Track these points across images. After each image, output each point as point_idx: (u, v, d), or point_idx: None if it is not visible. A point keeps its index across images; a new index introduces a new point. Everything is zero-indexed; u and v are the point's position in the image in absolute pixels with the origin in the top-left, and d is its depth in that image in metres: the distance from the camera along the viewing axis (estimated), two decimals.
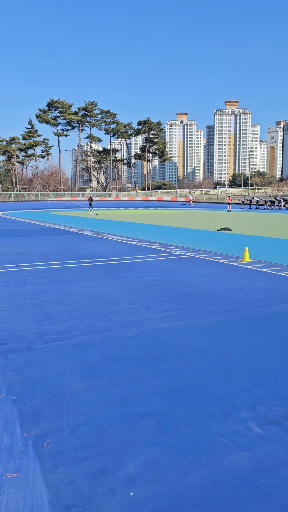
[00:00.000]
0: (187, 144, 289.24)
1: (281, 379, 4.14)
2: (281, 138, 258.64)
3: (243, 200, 55.68)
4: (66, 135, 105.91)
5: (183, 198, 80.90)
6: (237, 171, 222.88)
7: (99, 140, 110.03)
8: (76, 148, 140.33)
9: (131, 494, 2.55)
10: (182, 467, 2.80)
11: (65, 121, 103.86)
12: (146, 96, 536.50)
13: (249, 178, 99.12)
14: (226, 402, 3.69)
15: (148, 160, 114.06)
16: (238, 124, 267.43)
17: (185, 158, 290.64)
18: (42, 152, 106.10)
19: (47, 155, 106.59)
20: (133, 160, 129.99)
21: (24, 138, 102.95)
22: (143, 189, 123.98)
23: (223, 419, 3.40)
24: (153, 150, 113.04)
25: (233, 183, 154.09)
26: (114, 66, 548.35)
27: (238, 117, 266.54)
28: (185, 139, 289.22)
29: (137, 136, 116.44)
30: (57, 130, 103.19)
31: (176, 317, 6.21)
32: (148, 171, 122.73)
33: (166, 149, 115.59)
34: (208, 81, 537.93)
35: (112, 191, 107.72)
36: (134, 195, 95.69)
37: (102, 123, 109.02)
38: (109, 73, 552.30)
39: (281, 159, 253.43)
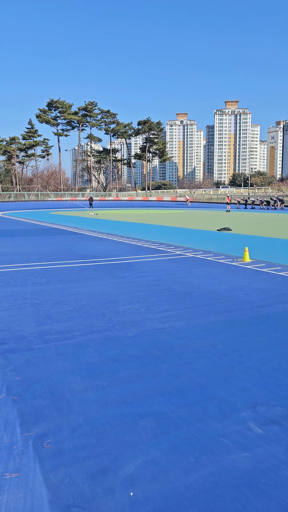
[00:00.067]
0: (187, 144, 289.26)
1: (281, 379, 4.14)
2: (281, 138, 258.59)
3: (238, 200, 55.88)
4: (66, 135, 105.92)
5: (183, 198, 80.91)
6: (237, 171, 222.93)
7: (99, 140, 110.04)
8: (76, 148, 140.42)
9: (131, 494, 2.55)
10: (182, 467, 2.80)
11: (65, 121, 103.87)
12: (146, 96, 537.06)
13: (249, 178, 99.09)
14: (226, 402, 3.69)
15: (148, 160, 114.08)
16: (238, 124, 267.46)
17: (185, 158, 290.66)
18: (42, 152, 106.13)
19: (47, 155, 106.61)
20: (133, 160, 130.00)
21: (24, 138, 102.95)
22: (143, 189, 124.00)
23: (223, 419, 3.40)
24: (153, 150, 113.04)
25: (233, 183, 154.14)
26: (114, 66, 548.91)
27: (238, 117, 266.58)
28: (185, 139, 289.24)
29: (137, 136, 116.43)
30: (57, 130, 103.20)
31: (176, 317, 6.21)
32: (148, 171, 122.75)
33: (166, 149, 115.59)
34: (208, 81, 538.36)
35: (112, 191, 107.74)
36: (134, 195, 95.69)
37: (102, 123, 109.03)
38: (109, 73, 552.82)
39: (281, 159, 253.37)
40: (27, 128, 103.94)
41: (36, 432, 3.24)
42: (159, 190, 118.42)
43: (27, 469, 2.81)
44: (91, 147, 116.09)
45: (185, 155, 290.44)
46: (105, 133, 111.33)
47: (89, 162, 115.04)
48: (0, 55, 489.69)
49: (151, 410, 3.54)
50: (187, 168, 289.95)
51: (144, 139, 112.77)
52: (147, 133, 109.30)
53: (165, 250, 13.60)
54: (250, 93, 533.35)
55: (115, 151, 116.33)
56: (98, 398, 3.76)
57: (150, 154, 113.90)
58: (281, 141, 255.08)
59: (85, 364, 4.55)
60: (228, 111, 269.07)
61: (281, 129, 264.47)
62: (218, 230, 20.68)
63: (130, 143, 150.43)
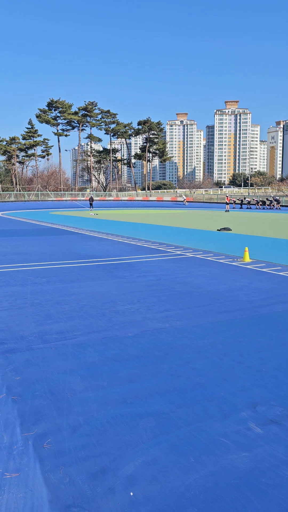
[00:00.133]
0: (187, 144, 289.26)
1: (281, 379, 4.14)
2: (281, 138, 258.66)
3: (234, 200, 56.26)
4: (66, 135, 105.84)
5: (186, 198, 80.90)
6: (237, 171, 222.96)
7: (99, 140, 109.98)
8: (76, 148, 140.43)
9: (131, 494, 2.55)
10: (182, 467, 2.80)
11: (65, 121, 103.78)
12: (146, 96, 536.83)
13: (249, 178, 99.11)
14: (226, 402, 3.69)
15: (148, 160, 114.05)
16: (238, 124, 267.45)
17: (185, 158, 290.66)
18: (42, 152, 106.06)
19: (47, 155, 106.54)
20: (133, 160, 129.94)
21: (24, 138, 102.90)
22: (143, 189, 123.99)
23: (223, 419, 3.41)
24: (153, 150, 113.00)
25: (233, 183, 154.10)
26: (114, 66, 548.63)
27: (238, 117, 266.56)
28: (185, 139, 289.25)
29: (137, 136, 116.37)
30: (57, 130, 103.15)
31: (176, 317, 6.21)
32: (148, 171, 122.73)
33: (166, 149, 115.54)
34: (208, 81, 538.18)
35: (112, 191, 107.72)
36: (134, 195, 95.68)
37: (102, 123, 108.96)
38: (109, 73, 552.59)
39: (281, 159, 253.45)
40: (27, 128, 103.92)
41: (36, 432, 3.24)
42: (159, 190, 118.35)
43: (27, 469, 2.81)
44: (91, 147, 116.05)
45: (185, 155, 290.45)
46: (105, 133, 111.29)
47: (89, 162, 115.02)
48: (0, 55, 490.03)
49: (151, 410, 3.54)
50: (187, 168, 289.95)
51: (144, 139, 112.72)
52: (147, 133, 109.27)
53: (165, 250, 13.60)
54: (250, 93, 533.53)
55: (115, 151, 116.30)
56: (98, 398, 3.76)
57: (150, 154, 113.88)
58: (281, 141, 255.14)
59: (85, 364, 4.55)
60: (228, 111, 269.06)
61: (281, 129, 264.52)
62: (218, 230, 20.69)
63: (130, 143, 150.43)
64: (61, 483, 2.66)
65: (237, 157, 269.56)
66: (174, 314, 6.36)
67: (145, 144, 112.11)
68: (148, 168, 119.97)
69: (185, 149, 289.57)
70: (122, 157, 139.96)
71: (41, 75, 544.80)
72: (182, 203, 66.14)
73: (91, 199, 49.75)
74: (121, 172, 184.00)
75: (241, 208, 52.93)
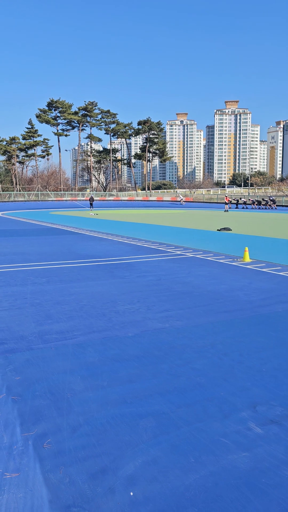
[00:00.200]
0: (187, 144, 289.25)
1: (281, 379, 4.14)
2: (281, 138, 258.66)
3: (230, 200, 56.57)
4: (66, 135, 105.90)
5: (183, 198, 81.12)
6: (237, 171, 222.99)
7: (99, 140, 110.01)
8: (76, 148, 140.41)
9: (131, 494, 2.55)
10: (182, 467, 2.80)
11: (65, 121, 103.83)
12: (146, 96, 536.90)
13: (249, 178, 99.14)
14: (226, 402, 3.69)
15: (148, 160, 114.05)
16: (238, 124, 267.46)
17: (185, 158, 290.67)
18: (42, 152, 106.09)
19: (47, 155, 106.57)
20: (133, 160, 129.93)
21: (24, 138, 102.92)
22: (143, 189, 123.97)
23: (223, 419, 3.40)
24: (153, 150, 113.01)
25: (233, 183, 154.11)
26: (114, 66, 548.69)
27: (238, 117, 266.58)
28: (185, 139, 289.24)
29: (137, 136, 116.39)
30: (57, 130, 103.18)
31: (176, 317, 6.21)
32: (148, 171, 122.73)
33: (166, 149, 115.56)
34: (208, 81, 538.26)
35: (112, 191, 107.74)
36: (134, 195, 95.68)
37: (102, 123, 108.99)
38: (109, 73, 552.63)
39: (281, 159, 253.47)
40: (27, 128, 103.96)
41: (36, 432, 3.24)
42: (159, 190, 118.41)
43: (27, 469, 2.81)
44: (91, 147, 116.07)
45: (185, 155, 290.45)
46: (105, 133, 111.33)
47: (89, 162, 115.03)
48: (0, 55, 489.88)
49: (151, 410, 3.54)
50: (187, 168, 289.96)
51: (144, 139, 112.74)
52: (147, 133, 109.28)
53: (165, 250, 13.60)
54: (250, 93, 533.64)
55: (115, 151, 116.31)
56: (98, 398, 3.76)
57: (150, 154, 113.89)
58: (281, 141, 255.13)
59: (85, 364, 4.55)
60: (228, 111, 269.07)
61: (281, 129, 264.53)
62: (218, 230, 20.68)
63: (130, 143, 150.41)
64: (61, 483, 2.66)
65: (237, 157, 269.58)
66: (174, 314, 6.36)
67: (145, 144, 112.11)
68: (148, 168, 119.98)
69: (185, 149, 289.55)
70: (122, 157, 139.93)
71: (41, 75, 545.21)
72: (179, 202, 67.08)
73: (92, 199, 49.72)
74: (121, 172, 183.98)
75: (236, 208, 53.39)
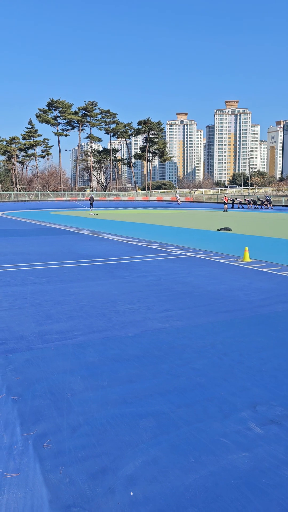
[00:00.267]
0: (187, 144, 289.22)
1: (281, 379, 4.14)
2: (281, 138, 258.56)
3: (228, 200, 57.09)
4: (66, 135, 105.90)
5: (183, 198, 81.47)
6: (237, 171, 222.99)
7: (99, 140, 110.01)
8: (76, 148, 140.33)
9: (131, 494, 2.55)
10: (182, 467, 2.80)
11: (65, 121, 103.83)
12: (146, 96, 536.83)
13: (249, 178, 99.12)
14: (226, 401, 3.69)
15: (148, 160, 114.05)
16: (238, 124, 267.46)
17: (185, 158, 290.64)
18: (42, 152, 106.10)
19: (47, 155, 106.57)
20: (133, 160, 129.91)
21: (24, 138, 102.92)
22: (143, 189, 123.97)
23: (223, 419, 3.40)
24: (153, 150, 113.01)
25: (233, 183, 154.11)
26: (114, 66, 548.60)
27: (238, 117, 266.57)
28: (185, 139, 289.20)
29: (137, 136, 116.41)
30: (57, 130, 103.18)
31: (176, 317, 6.21)
32: (148, 171, 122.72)
33: (166, 149, 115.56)
34: (208, 81, 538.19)
35: (112, 191, 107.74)
36: (134, 195, 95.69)
37: (102, 123, 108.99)
38: (109, 73, 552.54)
39: (281, 159, 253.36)
40: (27, 128, 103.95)
41: (36, 432, 3.24)
42: (159, 190, 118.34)
43: (27, 469, 2.81)
44: (91, 147, 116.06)
45: (185, 155, 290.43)
46: (105, 133, 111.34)
47: (89, 162, 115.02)
48: (0, 55, 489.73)
49: (151, 410, 3.54)
50: (187, 168, 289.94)
51: (144, 139, 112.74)
52: (147, 133, 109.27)
53: (165, 250, 13.60)
54: (250, 93, 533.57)
55: (115, 151, 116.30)
56: (98, 398, 3.76)
57: (150, 154, 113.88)
58: (281, 141, 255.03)
59: (85, 364, 4.55)
60: (228, 111, 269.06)
61: (281, 129, 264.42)
62: (218, 230, 20.68)
63: (130, 143, 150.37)
64: (61, 483, 2.66)
65: (237, 157, 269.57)
66: (174, 314, 6.36)
67: (145, 144, 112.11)
68: (148, 168, 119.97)
69: (185, 149, 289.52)
70: (122, 157, 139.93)
71: (41, 75, 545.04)
72: (176, 202, 68.18)
73: (92, 199, 49.71)
74: (121, 172, 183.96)
75: (232, 207, 53.82)
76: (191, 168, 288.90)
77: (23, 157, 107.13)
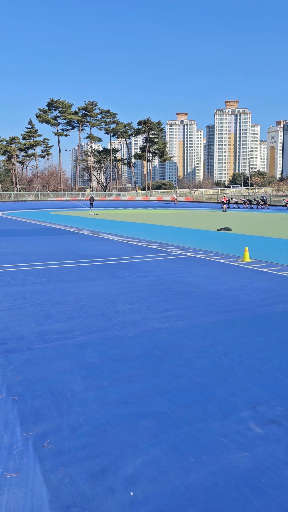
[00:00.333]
0: (187, 144, 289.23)
1: (281, 379, 4.14)
2: (281, 138, 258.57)
3: (221, 200, 57.70)
4: (66, 135, 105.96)
5: (183, 198, 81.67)
6: (237, 171, 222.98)
7: (99, 140, 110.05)
8: (76, 148, 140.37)
9: (131, 494, 2.55)
10: (182, 467, 2.80)
11: (65, 121, 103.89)
12: (146, 96, 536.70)
13: (249, 178, 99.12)
14: (226, 401, 3.69)
15: (148, 160, 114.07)
16: (238, 124, 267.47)
17: (185, 158, 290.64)
18: (42, 152, 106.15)
19: (47, 155, 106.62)
20: (133, 160, 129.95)
21: (24, 138, 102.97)
22: (143, 189, 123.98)
23: (223, 418, 3.40)
24: (153, 150, 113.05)
25: (233, 183, 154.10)
26: (114, 66, 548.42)
27: (238, 117, 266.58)
28: (185, 139, 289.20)
29: (137, 136, 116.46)
30: (57, 130, 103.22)
31: (176, 317, 6.21)
32: (148, 171, 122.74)
33: (166, 149, 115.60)
34: (208, 81, 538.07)
35: (112, 191, 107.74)
36: (134, 195, 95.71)
37: (102, 123, 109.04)
38: (109, 73, 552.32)
39: (281, 159, 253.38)
40: (27, 128, 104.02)
41: (36, 432, 3.24)
42: (159, 190, 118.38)
43: (27, 469, 2.81)
44: (91, 147, 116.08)
45: (185, 155, 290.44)
46: (105, 133, 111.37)
47: (89, 162, 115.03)
48: (0, 55, 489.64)
49: (151, 410, 3.54)
50: (187, 168, 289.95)
51: (144, 139, 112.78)
52: (147, 133, 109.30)
53: (165, 250, 13.60)
54: (250, 93, 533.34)
55: (115, 151, 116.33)
56: (98, 398, 3.76)
57: (150, 154, 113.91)
58: (281, 141, 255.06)
59: (85, 364, 4.55)
60: (228, 111, 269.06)
61: (281, 129, 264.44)
62: (218, 230, 20.69)
63: (130, 143, 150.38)
64: (61, 483, 2.66)
65: (237, 157, 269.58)
66: (174, 314, 6.36)
67: (145, 144, 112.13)
68: (148, 168, 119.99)
69: (185, 149, 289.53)
70: (122, 157, 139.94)
71: (41, 75, 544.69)
72: (173, 202, 69.85)
73: (92, 199, 49.71)
74: (121, 172, 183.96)
75: (228, 207, 54.26)
76: (191, 168, 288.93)
77: (23, 157, 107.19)
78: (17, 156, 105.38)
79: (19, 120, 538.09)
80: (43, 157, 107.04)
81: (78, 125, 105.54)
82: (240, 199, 57.71)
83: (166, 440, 3.11)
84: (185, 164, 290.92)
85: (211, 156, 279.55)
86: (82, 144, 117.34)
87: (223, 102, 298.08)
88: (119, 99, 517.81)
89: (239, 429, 3.25)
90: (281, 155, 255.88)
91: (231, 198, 60.31)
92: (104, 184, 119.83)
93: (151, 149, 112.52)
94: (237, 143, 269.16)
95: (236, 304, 6.90)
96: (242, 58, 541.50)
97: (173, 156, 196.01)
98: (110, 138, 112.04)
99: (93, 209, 48.19)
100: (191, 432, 3.21)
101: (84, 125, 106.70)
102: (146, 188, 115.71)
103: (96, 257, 12.29)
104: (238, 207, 54.15)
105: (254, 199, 55.53)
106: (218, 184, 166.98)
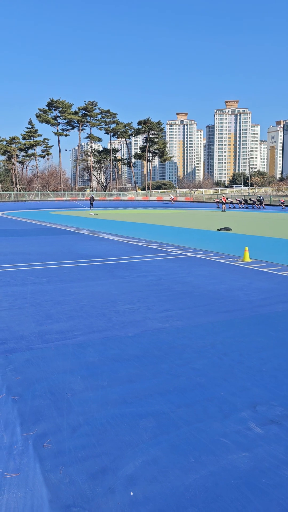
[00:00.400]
0: (187, 144, 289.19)
1: (281, 379, 4.14)
2: (281, 138, 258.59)
3: (218, 200, 58.24)
4: (66, 135, 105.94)
5: (183, 198, 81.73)
6: (237, 171, 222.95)
7: (99, 140, 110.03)
8: (76, 148, 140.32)
9: (131, 493, 2.55)
10: (182, 467, 2.80)
11: (65, 121, 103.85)
12: (146, 96, 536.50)
13: (249, 178, 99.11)
14: (226, 401, 3.69)
15: (148, 160, 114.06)
16: (238, 124, 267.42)
17: (185, 158, 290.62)
18: (42, 152, 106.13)
19: (47, 155, 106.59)
20: (133, 160, 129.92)
21: (24, 138, 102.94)
22: (143, 189, 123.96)
23: (223, 418, 3.40)
24: (153, 150, 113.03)
25: (233, 183, 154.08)
26: (114, 66, 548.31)
27: (238, 117, 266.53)
28: (185, 139, 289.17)
29: (137, 136, 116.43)
30: (57, 130, 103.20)
31: (176, 317, 6.21)
32: (148, 171, 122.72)
33: (166, 149, 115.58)
34: (208, 81, 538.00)
35: (112, 191, 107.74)
36: (134, 195, 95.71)
37: (102, 123, 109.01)
38: (109, 73, 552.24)
39: (281, 159, 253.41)
40: (27, 128, 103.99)
41: (36, 432, 3.24)
42: (159, 190, 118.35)
43: (27, 469, 2.81)
44: (91, 147, 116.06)
45: (185, 155, 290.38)
46: (105, 133, 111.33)
47: (89, 162, 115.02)
48: (0, 55, 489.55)
49: (151, 410, 3.54)
50: (187, 168, 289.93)
51: (144, 139, 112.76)
52: (147, 133, 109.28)
53: (165, 250, 13.60)
54: (250, 93, 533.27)
55: (115, 151, 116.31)
56: (98, 398, 3.76)
57: (150, 154, 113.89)
58: (281, 141, 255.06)
59: (85, 364, 4.55)
60: (228, 111, 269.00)
61: (281, 129, 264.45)
62: (218, 230, 20.68)
63: (130, 143, 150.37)
64: (61, 483, 2.66)
65: (237, 157, 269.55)
66: (174, 314, 6.36)
67: (145, 144, 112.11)
68: (148, 168, 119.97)
69: (185, 149, 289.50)
70: (122, 157, 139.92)
71: (41, 75, 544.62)
72: (170, 202, 70.32)
73: (92, 199, 49.73)
74: (121, 172, 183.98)
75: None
76: (191, 168, 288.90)
77: (23, 157, 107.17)
78: (17, 156, 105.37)
79: (19, 120, 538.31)
80: (43, 157, 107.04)
81: (78, 125, 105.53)
82: (236, 199, 58.35)
83: (166, 440, 3.11)
84: (185, 164, 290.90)
85: (211, 156, 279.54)
86: (82, 144, 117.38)
87: (223, 102, 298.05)
88: (119, 99, 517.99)
89: (239, 429, 3.25)
90: (281, 155, 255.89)
91: (227, 198, 60.78)
92: (104, 184, 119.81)
93: (151, 149, 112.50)
94: (237, 143, 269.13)
95: (236, 304, 6.90)
96: (242, 58, 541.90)
97: (173, 156, 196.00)
98: (110, 138, 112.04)
99: (93, 209, 48.20)
100: (191, 432, 3.21)
101: (84, 125, 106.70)
102: (146, 188, 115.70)
103: (96, 257, 12.29)
104: (234, 207, 54.56)
105: (250, 199, 56.15)
106: (218, 184, 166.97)
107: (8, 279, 9.14)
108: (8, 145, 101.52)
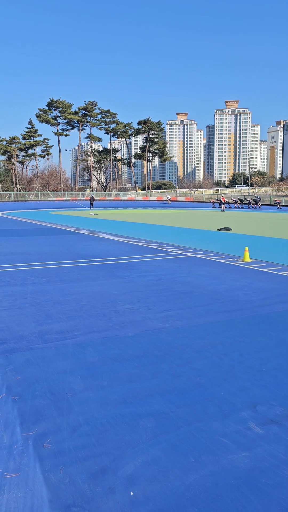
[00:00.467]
0: (187, 144, 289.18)
1: (281, 379, 4.14)
2: (281, 138, 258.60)
3: (213, 200, 58.82)
4: (66, 135, 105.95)
5: (183, 198, 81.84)
6: (237, 171, 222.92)
7: (99, 140, 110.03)
8: (76, 148, 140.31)
9: (131, 493, 2.55)
10: (182, 466, 2.80)
11: (65, 121, 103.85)
12: (146, 96, 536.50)
13: (249, 178, 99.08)
14: (226, 401, 3.69)
15: (148, 160, 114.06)
16: (238, 124, 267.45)
17: (185, 158, 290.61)
18: (42, 152, 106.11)
19: (47, 155, 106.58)
20: (133, 160, 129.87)
21: (24, 138, 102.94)
22: (143, 189, 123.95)
23: (223, 418, 3.41)
24: (153, 150, 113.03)
25: (234, 183, 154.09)
26: (114, 66, 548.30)
27: (238, 117, 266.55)
28: (185, 139, 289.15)
29: (137, 136, 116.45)
30: (57, 130, 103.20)
31: (176, 317, 6.21)
32: (148, 171, 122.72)
33: (166, 149, 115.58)
34: (208, 81, 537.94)
35: (112, 191, 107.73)
36: (134, 195, 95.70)
37: (102, 123, 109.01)
38: (109, 73, 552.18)
39: (281, 159, 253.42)
40: (27, 128, 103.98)
41: (36, 432, 3.24)
42: (159, 190, 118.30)
43: (27, 468, 2.81)
44: (91, 147, 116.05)
45: (185, 154, 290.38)
46: (105, 133, 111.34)
47: (89, 162, 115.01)
48: (0, 55, 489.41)
49: (151, 410, 3.54)
50: (187, 168, 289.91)
51: (144, 138, 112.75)
52: (147, 133, 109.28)
53: (165, 250, 13.60)
54: (250, 93, 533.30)
55: (115, 151, 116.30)
56: (98, 398, 3.76)
57: (150, 154, 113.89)
58: (281, 141, 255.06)
59: (85, 364, 4.55)
60: (228, 111, 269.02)
61: (281, 129, 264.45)
62: (218, 230, 20.69)
63: (130, 143, 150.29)
64: (61, 483, 2.66)
65: (237, 157, 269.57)
66: (174, 314, 6.36)
67: (145, 144, 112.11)
68: (148, 168, 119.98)
69: (185, 149, 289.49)
70: (122, 157, 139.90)
71: (41, 75, 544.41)
72: (166, 202, 71.21)
73: (92, 199, 49.75)
74: (121, 172, 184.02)
75: (220, 207, 54.94)
76: (191, 168, 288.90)
77: (23, 157, 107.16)
78: (17, 156, 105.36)
79: (19, 120, 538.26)
80: (43, 157, 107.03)
81: (78, 125, 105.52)
82: (231, 199, 59.22)
83: (166, 440, 3.11)
84: (185, 164, 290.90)
85: (211, 156, 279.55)
86: (82, 144, 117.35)
87: (223, 102, 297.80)
88: (119, 99, 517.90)
89: (239, 429, 3.25)
90: (281, 155, 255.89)
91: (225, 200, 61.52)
92: (104, 184, 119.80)
93: (151, 149, 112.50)
94: (237, 143, 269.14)
95: (236, 304, 6.90)
96: (242, 58, 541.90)
97: (173, 156, 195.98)
98: (110, 138, 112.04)
99: (93, 209, 48.20)
100: (191, 432, 3.21)
101: (84, 125, 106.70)
102: (146, 188, 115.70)
103: (96, 257, 12.29)
104: (230, 207, 55.04)
105: (245, 199, 56.81)
106: (218, 184, 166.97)
107: (8, 279, 9.14)
108: (8, 145, 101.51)
